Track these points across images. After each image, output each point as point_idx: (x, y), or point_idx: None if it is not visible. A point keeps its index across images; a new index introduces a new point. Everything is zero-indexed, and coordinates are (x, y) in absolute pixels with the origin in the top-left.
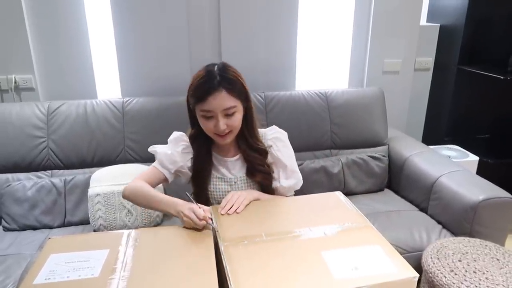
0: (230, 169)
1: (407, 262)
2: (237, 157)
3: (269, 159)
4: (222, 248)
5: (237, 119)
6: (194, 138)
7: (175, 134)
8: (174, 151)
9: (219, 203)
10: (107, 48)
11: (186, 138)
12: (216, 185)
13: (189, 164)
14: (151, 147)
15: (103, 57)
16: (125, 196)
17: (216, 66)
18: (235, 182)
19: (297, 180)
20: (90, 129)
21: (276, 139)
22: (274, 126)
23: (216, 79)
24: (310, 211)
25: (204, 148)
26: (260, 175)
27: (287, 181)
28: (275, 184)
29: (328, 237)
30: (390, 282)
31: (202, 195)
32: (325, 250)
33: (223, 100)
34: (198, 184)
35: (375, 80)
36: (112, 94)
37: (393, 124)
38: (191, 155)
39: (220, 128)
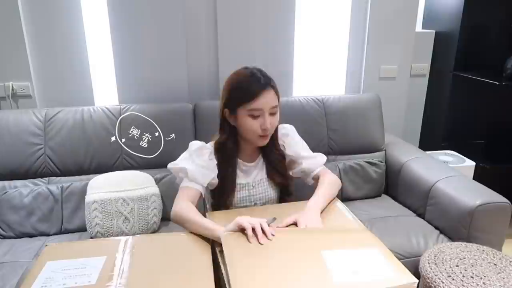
0: (249, 174)
1: (405, 268)
2: (256, 161)
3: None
4: (219, 251)
5: (277, 118)
6: (222, 145)
7: (196, 144)
8: (203, 162)
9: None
10: (104, 55)
11: (209, 146)
12: (236, 191)
13: (216, 171)
14: (171, 164)
15: (101, 64)
16: (174, 220)
17: (253, 68)
18: (253, 187)
19: (318, 156)
20: (87, 136)
21: (283, 135)
22: (281, 125)
23: (262, 79)
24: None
25: (231, 155)
26: (280, 177)
27: (310, 163)
28: (302, 170)
29: (328, 236)
30: None
31: (222, 203)
32: (325, 249)
33: (271, 98)
34: (222, 192)
35: (372, 86)
36: (109, 101)
37: (390, 130)
38: (215, 162)
39: (267, 126)
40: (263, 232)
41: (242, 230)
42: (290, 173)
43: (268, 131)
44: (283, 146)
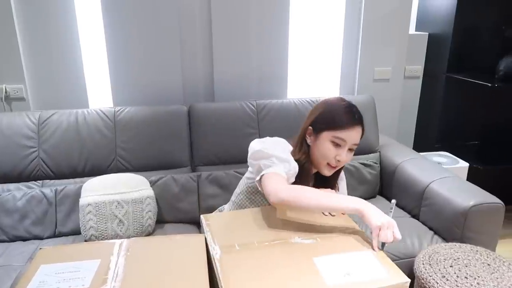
0: None
1: (398, 268)
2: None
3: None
4: (213, 255)
5: (351, 157)
6: (302, 165)
7: (289, 145)
8: (296, 165)
9: None
10: (98, 57)
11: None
12: None
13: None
14: (268, 148)
15: (95, 66)
16: (285, 199)
17: (351, 102)
18: None
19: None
20: (81, 138)
21: (340, 179)
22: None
23: (357, 115)
24: (300, 219)
25: (306, 177)
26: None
27: None
28: None
29: (319, 243)
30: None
31: None
32: (317, 256)
33: (357, 135)
34: None
35: (366, 88)
36: (103, 104)
37: (384, 131)
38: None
39: (343, 158)
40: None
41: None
42: None
43: (339, 164)
44: (338, 187)
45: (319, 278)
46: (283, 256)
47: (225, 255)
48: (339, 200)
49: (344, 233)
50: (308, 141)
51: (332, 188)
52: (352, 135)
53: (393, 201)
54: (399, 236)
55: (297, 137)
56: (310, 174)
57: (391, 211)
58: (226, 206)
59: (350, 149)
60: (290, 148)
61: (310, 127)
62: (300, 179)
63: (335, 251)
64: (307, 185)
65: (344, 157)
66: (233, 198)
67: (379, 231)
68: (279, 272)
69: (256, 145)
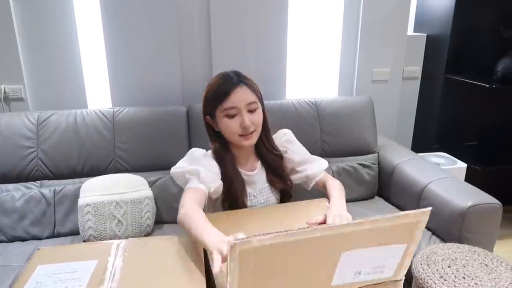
0: (251, 184)
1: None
2: (257, 169)
3: (288, 164)
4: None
5: (260, 115)
6: (219, 152)
7: (199, 151)
8: (211, 167)
9: None
10: (97, 58)
11: (210, 154)
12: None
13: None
14: (174, 168)
15: (94, 66)
16: (180, 224)
17: (228, 71)
18: (255, 196)
19: (320, 161)
20: (80, 139)
21: (286, 142)
22: (279, 130)
23: (234, 78)
24: (297, 218)
25: (231, 162)
26: (280, 182)
27: (313, 168)
28: (306, 176)
29: (356, 238)
30: (375, 283)
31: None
32: (347, 250)
33: (245, 94)
34: (233, 201)
35: (364, 89)
36: (102, 104)
37: (382, 132)
38: (220, 171)
39: (246, 123)
40: None
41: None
42: (292, 178)
43: (249, 129)
44: (287, 152)
45: (327, 278)
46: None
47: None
48: (201, 236)
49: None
50: (216, 128)
51: (276, 158)
52: (238, 97)
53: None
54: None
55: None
56: (231, 159)
57: None
58: None
59: (250, 111)
60: (203, 152)
61: (207, 116)
62: (225, 168)
63: (370, 243)
64: (232, 170)
65: (247, 121)
66: None
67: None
68: (298, 268)
69: (171, 170)
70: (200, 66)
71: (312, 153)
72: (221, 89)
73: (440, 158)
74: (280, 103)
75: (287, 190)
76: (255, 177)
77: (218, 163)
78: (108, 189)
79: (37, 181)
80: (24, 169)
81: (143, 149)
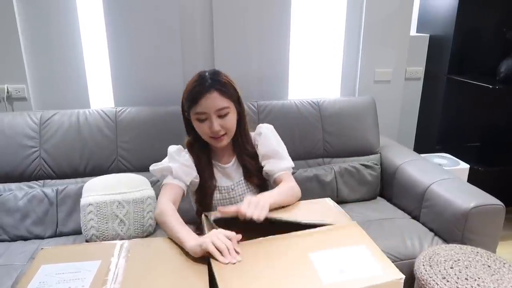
0: (228, 176)
1: (392, 263)
2: (232, 162)
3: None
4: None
5: (231, 120)
6: (192, 145)
7: (174, 147)
8: (185, 161)
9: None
10: (100, 58)
11: (185, 149)
12: (216, 193)
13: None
14: (153, 166)
15: (96, 66)
16: (158, 222)
17: (207, 71)
18: (232, 189)
19: (284, 161)
20: (82, 138)
21: (257, 135)
22: (259, 125)
23: (207, 82)
24: (298, 215)
25: (204, 155)
26: (256, 178)
27: (273, 164)
28: (265, 171)
29: (315, 238)
30: (376, 285)
31: (206, 205)
32: (313, 252)
33: (215, 100)
34: (203, 193)
35: (367, 89)
36: (105, 104)
37: (385, 133)
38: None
39: (214, 128)
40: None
41: (209, 254)
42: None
43: (219, 133)
44: (257, 145)
45: (315, 275)
46: (280, 252)
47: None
48: (178, 238)
49: (339, 226)
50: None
51: (251, 155)
52: (208, 103)
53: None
54: (225, 239)
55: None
56: (205, 152)
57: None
58: None
59: (220, 116)
60: (176, 148)
61: (185, 112)
62: (198, 160)
63: (330, 246)
64: (205, 162)
65: (216, 126)
66: None
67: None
68: (275, 268)
69: (150, 168)
70: (202, 66)
71: (314, 153)
72: (193, 92)
73: (443, 159)
74: (283, 103)
75: (265, 184)
76: (231, 169)
77: (191, 155)
78: (110, 188)
79: (39, 181)
80: (27, 168)
81: (146, 149)
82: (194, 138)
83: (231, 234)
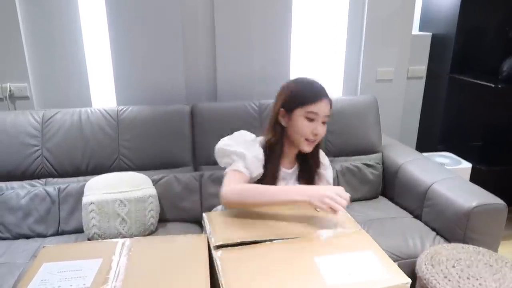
0: (285, 180)
1: (399, 268)
2: (293, 169)
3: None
4: (215, 253)
5: (325, 130)
6: (271, 144)
7: (250, 135)
8: (258, 154)
9: None
10: (102, 57)
11: (259, 141)
12: None
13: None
14: (223, 144)
15: (98, 65)
16: (231, 200)
17: (315, 81)
18: None
19: None
20: (84, 137)
21: (324, 166)
22: (324, 153)
23: (322, 89)
24: (303, 217)
25: (277, 157)
26: (305, 182)
27: None
28: None
29: (321, 242)
30: None
31: None
32: (318, 256)
33: (327, 107)
34: None
35: (369, 88)
36: (107, 103)
37: (387, 132)
38: (263, 160)
39: (319, 131)
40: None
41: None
42: None
43: (317, 138)
44: (318, 173)
45: (319, 278)
46: (285, 254)
47: (226, 253)
48: (286, 193)
49: (346, 232)
50: (283, 122)
51: (315, 168)
52: (323, 108)
53: None
54: (346, 196)
55: (268, 121)
56: (280, 154)
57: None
58: (219, 207)
59: (323, 122)
60: (252, 137)
61: (282, 109)
62: (272, 159)
63: (336, 250)
64: (276, 164)
65: (320, 130)
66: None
67: (330, 207)
68: (280, 271)
69: (218, 145)
70: (204, 65)
71: None
72: (313, 93)
73: (445, 158)
74: None
75: None
76: (290, 175)
77: (264, 152)
78: (112, 187)
79: (41, 179)
80: (29, 167)
81: (147, 148)
82: (277, 138)
83: (347, 195)
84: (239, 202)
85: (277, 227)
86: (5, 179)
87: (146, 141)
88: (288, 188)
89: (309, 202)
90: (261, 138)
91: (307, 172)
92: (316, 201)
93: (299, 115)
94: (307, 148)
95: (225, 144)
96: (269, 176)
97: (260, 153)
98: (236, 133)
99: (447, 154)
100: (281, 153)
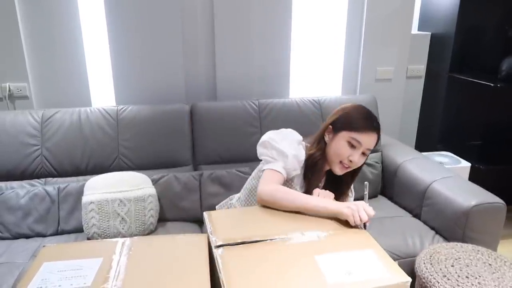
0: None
1: (399, 267)
2: (323, 181)
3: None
4: (215, 252)
5: (363, 161)
6: (314, 158)
7: (298, 136)
8: (300, 155)
9: None
10: (101, 56)
11: (304, 147)
12: None
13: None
14: (270, 139)
15: (98, 65)
16: (264, 199)
17: (371, 111)
18: None
19: None
20: (84, 137)
21: (351, 195)
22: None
23: (376, 123)
24: (303, 216)
25: (319, 172)
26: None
27: None
28: None
29: (321, 241)
30: (383, 287)
31: None
32: (318, 254)
33: (372, 141)
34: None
35: (368, 87)
36: (106, 102)
37: (386, 131)
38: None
39: (355, 160)
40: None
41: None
42: None
43: (351, 164)
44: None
45: (320, 276)
46: (286, 253)
47: (227, 252)
48: (318, 203)
49: (346, 231)
50: (326, 138)
51: (343, 192)
52: (368, 140)
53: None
54: (371, 212)
55: (316, 133)
56: (322, 170)
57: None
58: (236, 195)
59: (363, 153)
60: (299, 138)
61: (330, 126)
62: (312, 174)
63: (337, 249)
64: (317, 180)
65: (357, 158)
66: (246, 184)
67: (353, 218)
68: (281, 269)
69: (265, 136)
70: (203, 64)
71: None
72: (364, 122)
73: (444, 157)
74: (284, 102)
75: None
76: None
77: (306, 163)
78: (111, 187)
79: (41, 179)
80: (29, 166)
81: (147, 147)
82: (320, 152)
83: (371, 212)
84: (271, 203)
85: (278, 225)
86: (5, 178)
87: (146, 141)
88: (319, 198)
89: (341, 213)
90: (305, 144)
91: (332, 190)
92: (348, 212)
93: (343, 137)
94: (339, 171)
95: (270, 137)
96: (305, 187)
97: (301, 155)
98: (284, 130)
99: (446, 153)
100: (321, 169)
